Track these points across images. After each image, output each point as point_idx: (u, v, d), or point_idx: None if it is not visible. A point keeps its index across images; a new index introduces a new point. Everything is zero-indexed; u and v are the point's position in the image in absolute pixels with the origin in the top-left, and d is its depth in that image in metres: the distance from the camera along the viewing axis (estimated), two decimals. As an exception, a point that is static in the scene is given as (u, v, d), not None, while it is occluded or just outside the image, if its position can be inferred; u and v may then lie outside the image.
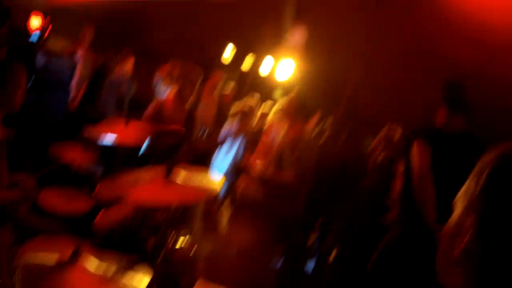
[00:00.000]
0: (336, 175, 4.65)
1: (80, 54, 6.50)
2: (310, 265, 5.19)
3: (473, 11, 6.41)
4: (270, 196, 3.83)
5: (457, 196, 0.92)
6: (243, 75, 7.90)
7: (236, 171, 5.62)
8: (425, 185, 3.05)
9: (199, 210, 4.41)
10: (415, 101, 6.45)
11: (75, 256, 1.99)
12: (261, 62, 7.63)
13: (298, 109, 3.91)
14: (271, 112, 5.48)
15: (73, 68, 5.87)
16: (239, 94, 6.87)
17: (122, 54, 6.58)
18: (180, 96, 4.46)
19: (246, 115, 5.67)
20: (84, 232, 3.07)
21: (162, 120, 4.39)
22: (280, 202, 3.77)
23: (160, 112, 4.43)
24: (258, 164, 4.10)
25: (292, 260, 5.12)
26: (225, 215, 5.55)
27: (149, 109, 4.51)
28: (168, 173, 2.52)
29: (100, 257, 2.17)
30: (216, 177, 2.88)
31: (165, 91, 5.08)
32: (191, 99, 4.62)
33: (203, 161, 5.47)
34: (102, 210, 3.23)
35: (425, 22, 6.87)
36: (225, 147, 5.75)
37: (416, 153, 3.15)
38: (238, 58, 8.19)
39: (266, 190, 3.86)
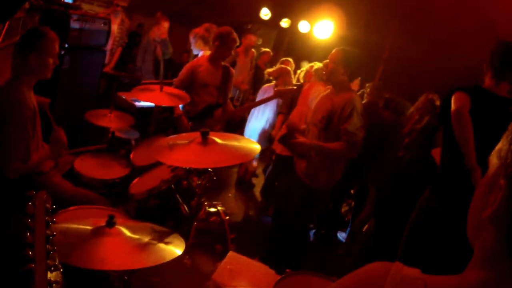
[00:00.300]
0: (374, 142, 4.53)
1: (115, 16, 6.48)
2: (343, 234, 5.15)
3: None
4: (308, 164, 3.72)
5: (493, 152, 0.88)
6: (282, 33, 7.75)
7: (269, 136, 5.57)
8: (464, 123, 2.92)
9: (233, 177, 4.37)
10: (454, 66, 6.25)
11: (110, 223, 1.99)
12: (300, 21, 7.48)
13: (343, 72, 3.63)
14: (310, 72, 5.35)
15: (108, 31, 5.84)
16: (277, 54, 6.76)
17: (157, 17, 6.52)
18: (215, 59, 4.39)
19: (283, 76, 5.58)
20: (120, 198, 3.09)
21: (196, 82, 4.32)
22: (318, 170, 3.66)
23: (193, 74, 4.35)
24: (293, 128, 3.95)
25: (325, 228, 5.07)
26: (258, 183, 5.53)
27: (183, 72, 4.43)
28: (204, 136, 2.48)
29: (135, 225, 2.17)
30: (251, 141, 2.82)
31: (199, 53, 5.01)
32: (226, 61, 4.54)
33: (238, 124, 5.41)
34: (138, 175, 3.24)
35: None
36: (260, 110, 5.68)
37: (455, 100, 2.97)
38: (277, 17, 8.04)
39: (306, 157, 3.73)
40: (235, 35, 4.36)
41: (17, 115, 2.63)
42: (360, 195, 4.93)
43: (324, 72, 4.00)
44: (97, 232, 1.98)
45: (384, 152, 4.50)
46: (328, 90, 3.80)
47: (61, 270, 1.32)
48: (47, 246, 1.34)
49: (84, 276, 1.92)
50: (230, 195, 4.22)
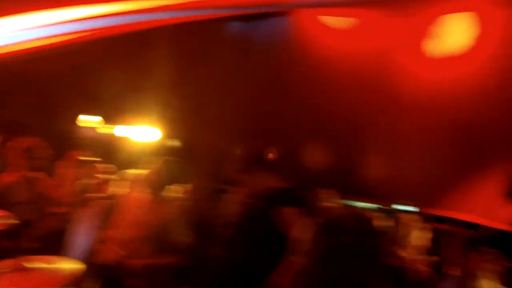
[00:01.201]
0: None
1: None
2: None
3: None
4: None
5: None
6: (102, 144, 7.93)
7: (91, 251, 5.49)
8: None
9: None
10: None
11: None
12: (121, 130, 7.79)
13: (162, 181, 3.92)
14: (128, 182, 5.50)
15: None
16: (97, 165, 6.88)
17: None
18: (25, 173, 4.34)
19: (96, 187, 5.66)
20: None
21: (6, 200, 4.17)
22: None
23: (2, 193, 4.23)
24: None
25: None
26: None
27: None
28: (21, 261, 2.59)
29: None
30: (71, 259, 2.95)
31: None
32: (38, 176, 4.51)
33: (58, 242, 5.28)
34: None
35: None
36: (78, 225, 5.63)
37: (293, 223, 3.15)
38: (98, 127, 8.27)
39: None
40: (40, 145, 4.40)
41: None
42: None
43: (146, 181, 4.19)
44: None
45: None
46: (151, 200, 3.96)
47: None
48: None
49: None
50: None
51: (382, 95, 7.78)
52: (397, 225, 4.83)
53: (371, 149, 8.41)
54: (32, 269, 2.64)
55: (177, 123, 7.94)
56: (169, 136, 7.60)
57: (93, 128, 8.15)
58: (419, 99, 7.64)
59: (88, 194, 5.65)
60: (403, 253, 4.66)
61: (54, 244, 5.01)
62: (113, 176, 5.88)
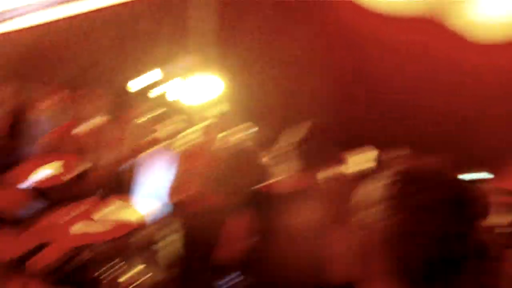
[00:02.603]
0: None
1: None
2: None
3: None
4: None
5: None
6: (160, 98, 7.95)
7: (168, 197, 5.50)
8: None
9: (139, 241, 4.37)
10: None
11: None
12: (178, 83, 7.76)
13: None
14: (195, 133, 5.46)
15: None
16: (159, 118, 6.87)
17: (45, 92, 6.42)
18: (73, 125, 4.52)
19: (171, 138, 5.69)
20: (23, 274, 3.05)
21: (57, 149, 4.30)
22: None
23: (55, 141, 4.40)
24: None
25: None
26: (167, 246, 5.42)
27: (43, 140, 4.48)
28: (94, 207, 2.59)
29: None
30: (144, 205, 2.93)
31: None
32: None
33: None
34: (38, 250, 3.23)
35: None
36: (150, 172, 5.65)
37: None
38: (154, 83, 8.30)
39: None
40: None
41: None
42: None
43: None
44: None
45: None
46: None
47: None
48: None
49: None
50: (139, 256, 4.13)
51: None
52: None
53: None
54: (103, 216, 2.57)
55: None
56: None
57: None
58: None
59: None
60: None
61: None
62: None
